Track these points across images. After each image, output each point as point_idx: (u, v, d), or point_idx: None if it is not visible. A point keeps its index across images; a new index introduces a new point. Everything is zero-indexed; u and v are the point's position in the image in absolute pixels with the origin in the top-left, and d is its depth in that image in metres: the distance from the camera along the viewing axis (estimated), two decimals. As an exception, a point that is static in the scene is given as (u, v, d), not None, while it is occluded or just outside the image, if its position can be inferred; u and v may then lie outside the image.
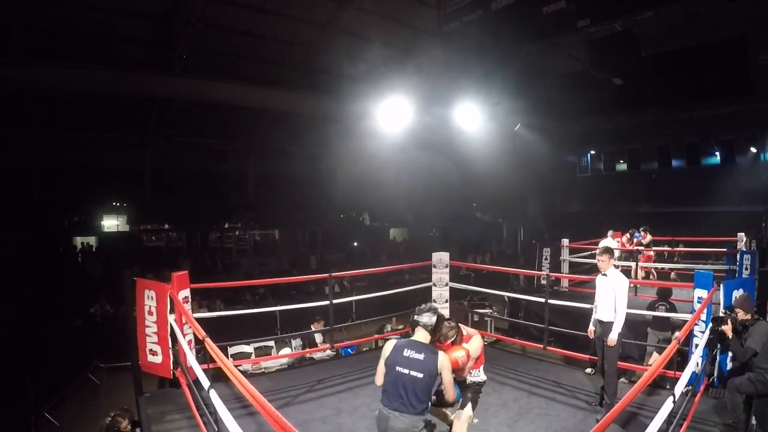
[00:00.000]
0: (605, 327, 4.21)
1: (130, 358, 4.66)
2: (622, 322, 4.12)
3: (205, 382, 3.00)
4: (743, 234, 9.19)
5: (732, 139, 14.14)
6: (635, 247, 9.26)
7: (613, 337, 4.11)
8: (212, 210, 15.48)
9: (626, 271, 9.00)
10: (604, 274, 4.29)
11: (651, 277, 9.16)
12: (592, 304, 4.53)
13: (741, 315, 3.84)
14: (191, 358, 3.91)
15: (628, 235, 9.61)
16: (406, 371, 2.68)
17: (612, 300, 4.17)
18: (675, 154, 15.28)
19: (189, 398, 3.80)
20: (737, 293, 4.42)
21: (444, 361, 2.77)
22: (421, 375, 2.66)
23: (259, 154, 16.23)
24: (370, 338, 7.48)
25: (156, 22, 9.25)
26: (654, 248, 9.66)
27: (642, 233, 9.46)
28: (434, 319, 2.85)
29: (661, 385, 4.39)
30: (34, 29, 8.61)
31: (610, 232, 9.52)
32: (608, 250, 4.37)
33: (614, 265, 4.37)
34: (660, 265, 9.28)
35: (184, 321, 4.30)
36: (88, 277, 11.96)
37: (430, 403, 2.77)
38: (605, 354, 4.22)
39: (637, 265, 8.79)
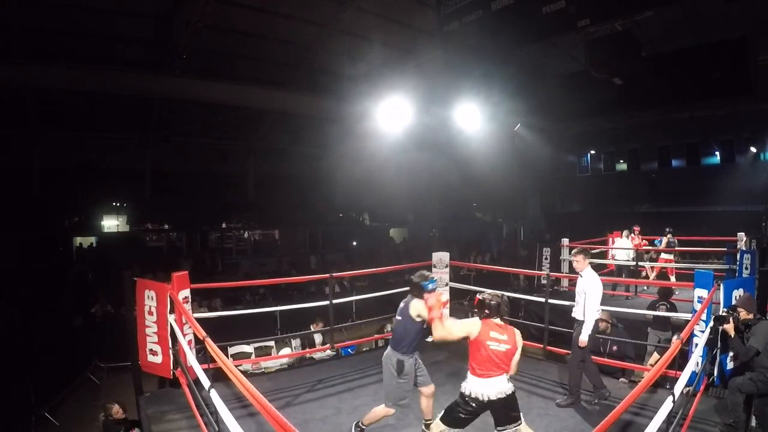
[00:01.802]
0: (577, 325, 4.34)
1: (130, 358, 4.66)
2: (591, 325, 4.19)
3: (206, 382, 3.00)
4: (743, 234, 9.20)
5: (732, 139, 14.14)
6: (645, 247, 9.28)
7: (583, 339, 4.19)
8: (212, 210, 15.46)
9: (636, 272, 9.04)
10: (581, 275, 4.36)
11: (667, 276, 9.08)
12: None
13: (743, 314, 3.84)
14: (191, 358, 3.92)
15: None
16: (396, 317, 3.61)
17: (583, 300, 4.25)
18: (675, 154, 15.28)
19: (189, 398, 3.80)
20: (737, 293, 4.42)
21: (416, 305, 3.45)
22: (400, 318, 3.54)
23: (259, 154, 16.21)
24: (370, 338, 7.47)
25: (156, 22, 9.24)
26: (654, 248, 9.66)
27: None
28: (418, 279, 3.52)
29: (661, 384, 4.39)
30: (34, 29, 8.60)
31: (624, 231, 9.49)
32: (583, 251, 4.43)
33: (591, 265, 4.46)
34: (661, 265, 9.28)
35: (184, 321, 4.30)
36: (87, 277, 11.96)
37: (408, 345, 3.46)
38: (572, 349, 4.38)
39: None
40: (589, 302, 4.20)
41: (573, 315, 4.45)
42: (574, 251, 4.45)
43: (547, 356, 5.65)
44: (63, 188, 13.02)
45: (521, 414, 3.10)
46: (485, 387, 2.97)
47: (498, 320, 3.07)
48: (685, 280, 8.30)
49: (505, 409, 3.03)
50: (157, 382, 5.06)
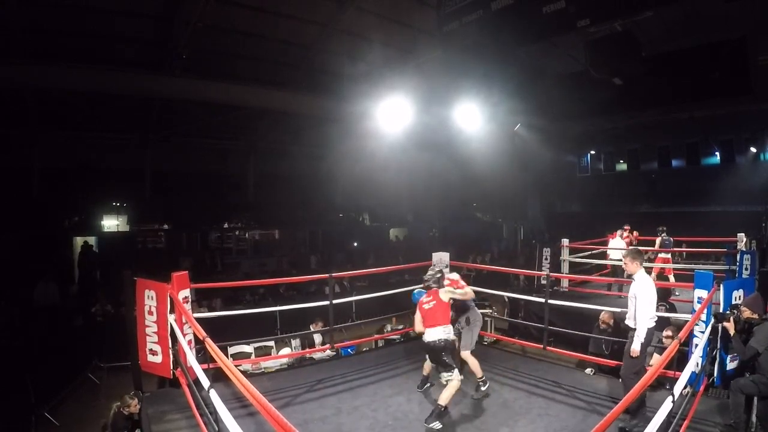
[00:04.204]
0: (629, 332, 4.00)
1: (130, 358, 4.67)
2: (643, 333, 3.79)
3: (205, 382, 3.01)
4: (743, 234, 9.17)
5: (732, 139, 14.14)
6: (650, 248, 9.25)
7: (635, 348, 3.81)
8: (212, 210, 15.45)
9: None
10: (633, 278, 4.01)
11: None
12: (591, 304, 4.53)
13: (747, 314, 3.84)
14: (191, 358, 3.93)
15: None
16: None
17: (634, 306, 3.92)
18: (675, 154, 15.29)
19: (189, 398, 3.81)
20: (737, 294, 4.42)
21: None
22: None
23: (259, 154, 16.22)
24: (370, 338, 7.47)
25: (156, 22, 9.25)
26: (653, 248, 9.64)
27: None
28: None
29: (661, 384, 4.39)
30: (34, 29, 8.60)
31: (618, 231, 9.47)
32: (631, 252, 4.08)
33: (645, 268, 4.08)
34: (660, 266, 9.25)
35: (184, 321, 4.31)
36: (87, 277, 11.95)
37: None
38: (624, 359, 4.00)
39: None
40: (639, 308, 3.82)
41: (625, 322, 4.11)
42: (623, 253, 4.15)
43: (547, 356, 5.65)
44: (63, 188, 13.01)
45: (455, 368, 4.03)
46: (427, 334, 4.17)
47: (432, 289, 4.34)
48: (685, 281, 8.30)
49: (438, 355, 4.08)
50: (157, 382, 5.06)
